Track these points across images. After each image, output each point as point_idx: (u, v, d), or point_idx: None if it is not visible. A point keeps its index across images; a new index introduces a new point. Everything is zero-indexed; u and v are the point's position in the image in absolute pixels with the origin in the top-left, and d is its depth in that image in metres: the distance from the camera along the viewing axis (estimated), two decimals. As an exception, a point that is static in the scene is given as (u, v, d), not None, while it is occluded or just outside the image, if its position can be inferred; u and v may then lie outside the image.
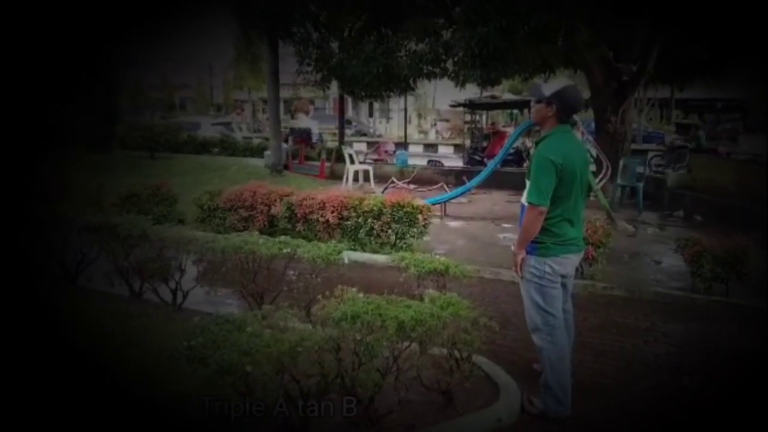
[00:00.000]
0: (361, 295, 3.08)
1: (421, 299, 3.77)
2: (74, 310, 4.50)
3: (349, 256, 4.65)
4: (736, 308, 5.22)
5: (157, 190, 8.20)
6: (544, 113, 3.28)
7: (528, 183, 3.30)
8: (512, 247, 3.43)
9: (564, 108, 3.25)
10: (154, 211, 7.61)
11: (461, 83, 12.13)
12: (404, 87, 13.09)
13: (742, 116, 27.02)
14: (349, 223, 7.07)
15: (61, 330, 3.98)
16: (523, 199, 3.35)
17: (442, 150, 25.41)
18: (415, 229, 6.80)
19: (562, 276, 3.37)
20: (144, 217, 5.33)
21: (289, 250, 4.30)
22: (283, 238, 4.52)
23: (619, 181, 10.79)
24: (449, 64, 12.15)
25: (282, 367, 2.57)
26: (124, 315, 4.47)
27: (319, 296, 3.12)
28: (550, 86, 3.31)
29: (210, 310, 4.82)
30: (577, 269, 5.89)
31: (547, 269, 3.28)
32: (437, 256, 3.88)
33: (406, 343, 2.99)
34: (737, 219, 8.61)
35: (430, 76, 12.35)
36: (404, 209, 6.74)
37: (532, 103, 3.42)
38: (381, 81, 12.33)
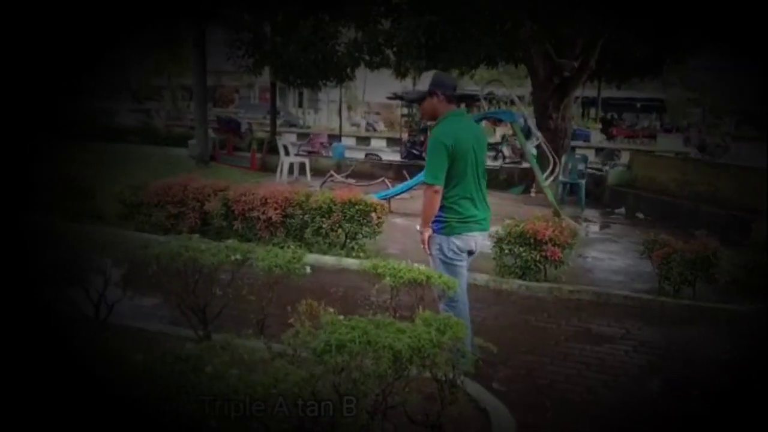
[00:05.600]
0: (341, 317, 2.53)
1: (394, 315, 3.29)
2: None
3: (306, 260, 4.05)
4: (705, 312, 5.06)
5: (69, 182, 7.21)
6: (435, 104, 3.54)
7: None
8: (417, 227, 3.65)
9: (446, 89, 3.53)
10: (65, 207, 6.65)
11: (402, 74, 11.68)
12: (343, 76, 12.48)
13: (658, 116, 28.34)
14: (294, 221, 6.45)
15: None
16: None
17: (375, 143, 25.00)
18: (367, 229, 6.27)
19: (469, 252, 3.60)
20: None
21: (238, 256, 3.65)
22: (230, 242, 3.86)
23: (561, 177, 10.70)
24: (390, 54, 11.66)
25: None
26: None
27: (291, 320, 2.54)
28: (423, 84, 3.59)
29: (141, 326, 4.16)
30: (539, 270, 5.64)
31: (453, 246, 3.51)
32: (416, 265, 3.39)
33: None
34: (680, 217, 8.67)
35: (370, 65, 11.80)
36: (356, 207, 6.18)
37: (415, 107, 3.40)
38: (318, 68, 11.68)
